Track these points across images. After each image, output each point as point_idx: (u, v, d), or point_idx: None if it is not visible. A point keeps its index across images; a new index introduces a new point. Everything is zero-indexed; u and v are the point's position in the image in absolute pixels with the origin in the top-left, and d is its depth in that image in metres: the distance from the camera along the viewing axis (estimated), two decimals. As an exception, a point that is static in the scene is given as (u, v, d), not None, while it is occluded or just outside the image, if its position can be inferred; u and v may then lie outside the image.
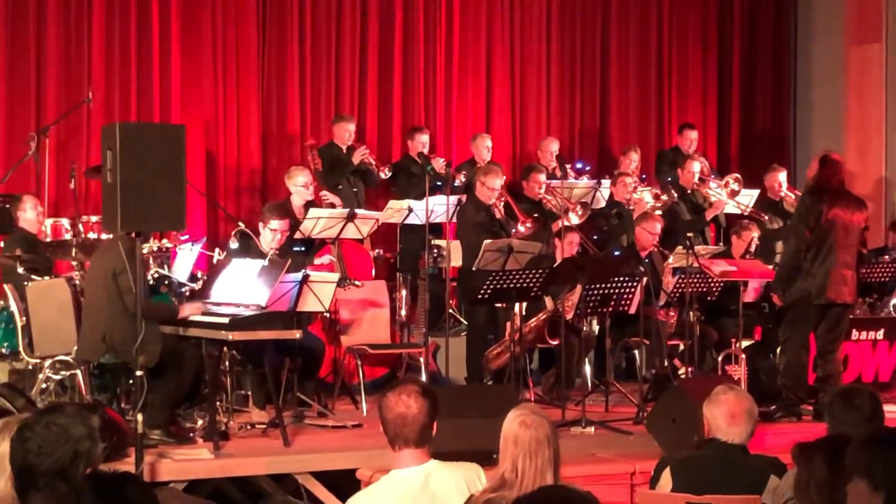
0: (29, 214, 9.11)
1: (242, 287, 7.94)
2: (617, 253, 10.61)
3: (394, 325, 10.21)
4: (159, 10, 11.47)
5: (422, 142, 11.79)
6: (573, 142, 13.56)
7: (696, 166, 12.05)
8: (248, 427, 8.27)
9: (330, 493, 7.53)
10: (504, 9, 13.21)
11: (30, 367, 8.37)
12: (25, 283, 8.35)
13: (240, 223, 9.36)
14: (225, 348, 8.16)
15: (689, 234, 10.15)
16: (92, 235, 9.19)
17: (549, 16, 13.47)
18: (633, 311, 9.20)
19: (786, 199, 11.86)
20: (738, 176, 12.00)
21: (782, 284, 8.91)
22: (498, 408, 5.36)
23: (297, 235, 9.44)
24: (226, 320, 7.58)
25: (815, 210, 8.73)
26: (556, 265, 9.40)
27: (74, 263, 8.68)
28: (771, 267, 10.01)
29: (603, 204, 11.52)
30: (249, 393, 8.79)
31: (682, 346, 9.94)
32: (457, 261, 10.39)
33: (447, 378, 9.91)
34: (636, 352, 9.98)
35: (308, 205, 9.81)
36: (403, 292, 10.46)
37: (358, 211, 9.89)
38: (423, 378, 9.26)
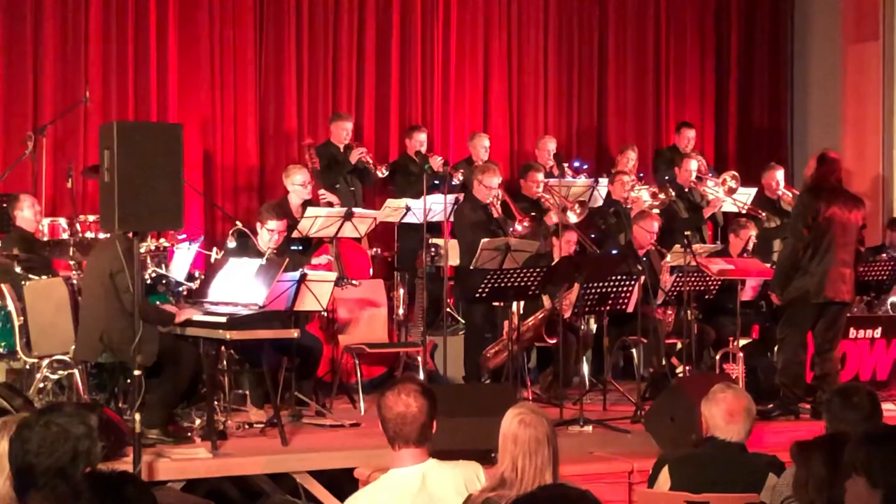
0: (26, 214, 9.09)
1: (240, 286, 7.93)
2: (615, 251, 10.62)
3: (391, 324, 10.21)
4: (156, 9, 11.46)
5: (419, 140, 11.79)
6: (571, 140, 13.56)
7: (694, 165, 12.05)
8: (246, 426, 8.26)
9: (328, 493, 7.53)
10: (501, 7, 13.21)
11: (27, 366, 8.37)
12: (23, 282, 8.35)
13: (237, 222, 9.36)
14: (223, 347, 8.16)
15: (686, 233, 10.15)
16: (89, 235, 9.18)
17: (547, 15, 13.47)
18: (630, 309, 9.21)
19: (783, 197, 11.86)
20: (736, 174, 12.01)
21: (780, 283, 8.91)
22: (496, 407, 5.35)
23: (295, 234, 9.44)
24: (223, 319, 7.57)
25: (813, 208, 8.73)
26: (553, 264, 9.40)
27: (72, 263, 8.67)
28: (769, 265, 10.02)
29: (601, 202, 11.52)
30: (247, 392, 8.79)
31: (679, 345, 9.95)
32: (454, 260, 10.40)
33: (445, 377, 9.90)
34: (634, 350, 9.98)
35: (306, 204, 9.81)
36: (401, 291, 10.46)
37: (355, 210, 9.89)
38: (421, 377, 9.25)
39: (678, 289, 9.65)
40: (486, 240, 9.82)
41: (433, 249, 10.72)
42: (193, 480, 7.44)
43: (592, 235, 11.10)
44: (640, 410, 8.67)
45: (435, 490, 4.35)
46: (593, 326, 10.24)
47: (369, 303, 9.87)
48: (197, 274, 9.20)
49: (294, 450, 7.75)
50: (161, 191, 6.81)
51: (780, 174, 12.01)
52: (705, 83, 14.34)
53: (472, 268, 9.76)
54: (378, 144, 12.34)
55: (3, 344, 8.43)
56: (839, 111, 13.99)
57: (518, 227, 10.33)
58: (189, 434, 7.82)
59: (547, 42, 13.48)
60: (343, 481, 7.41)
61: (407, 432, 4.35)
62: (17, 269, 8.50)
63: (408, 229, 10.78)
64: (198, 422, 8.02)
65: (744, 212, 11.66)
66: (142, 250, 8.17)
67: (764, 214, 11.64)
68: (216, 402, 8.08)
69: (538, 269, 8.90)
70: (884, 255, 11.61)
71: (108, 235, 7.95)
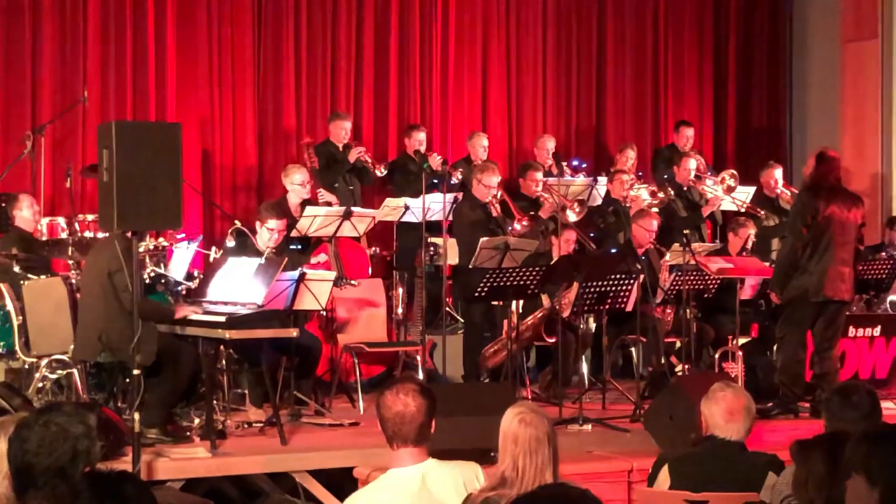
0: (25, 213, 9.09)
1: (239, 286, 7.93)
2: (614, 250, 10.62)
3: (390, 324, 10.21)
4: (155, 8, 11.45)
5: (418, 140, 11.78)
6: (569, 139, 13.55)
7: (692, 163, 12.04)
8: (245, 426, 8.26)
9: (327, 492, 7.53)
10: (500, 6, 13.21)
11: (26, 366, 8.36)
12: (22, 282, 8.34)
13: (236, 221, 9.36)
14: (222, 347, 8.16)
15: (685, 232, 10.15)
16: (88, 234, 9.18)
17: (545, 13, 13.46)
18: (629, 308, 9.21)
19: (781, 195, 11.85)
20: (734, 172, 12.00)
21: (780, 282, 8.91)
22: (495, 406, 5.35)
23: (294, 234, 9.43)
24: (222, 319, 7.57)
25: (813, 207, 8.73)
26: (552, 263, 9.40)
27: (71, 262, 8.66)
28: (768, 264, 10.02)
29: (600, 201, 11.52)
30: (246, 391, 8.79)
31: (678, 344, 9.95)
32: (453, 258, 10.39)
33: (444, 376, 9.90)
34: (633, 349, 9.98)
35: (304, 203, 9.80)
36: (400, 290, 10.46)
37: (354, 209, 9.88)
38: (420, 376, 9.26)
39: (677, 287, 9.65)
40: (484, 239, 9.82)
41: (432, 248, 10.72)
42: (192, 480, 7.44)
43: (591, 234, 11.10)
44: (640, 409, 8.67)
45: (434, 490, 4.35)
46: (592, 325, 10.24)
47: (368, 302, 9.87)
48: (196, 273, 9.19)
49: (293, 449, 7.75)
50: (160, 190, 6.81)
51: (778, 173, 12.01)
52: (704, 82, 14.34)
53: (471, 267, 9.76)
54: (377, 143, 12.33)
55: (1, 343, 8.42)
56: (838, 110, 13.99)
57: (517, 227, 10.32)
58: (188, 433, 7.82)
59: (545, 41, 13.48)
60: (342, 480, 7.41)
61: (406, 432, 4.35)
62: (16, 269, 8.49)
63: (407, 228, 10.79)
64: (197, 421, 8.02)
65: (743, 210, 11.65)
66: (140, 250, 8.17)
67: (763, 213, 11.64)
68: (215, 402, 8.08)
69: (537, 268, 8.90)
70: (883, 253, 11.61)
71: (107, 235, 7.94)
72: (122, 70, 11.34)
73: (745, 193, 11.89)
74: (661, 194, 11.52)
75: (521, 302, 9.35)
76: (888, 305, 11.00)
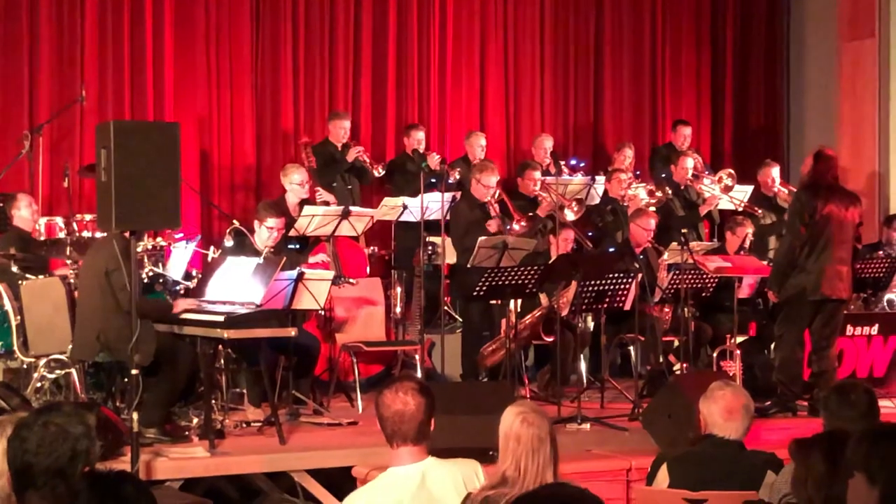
0: (23, 213, 9.08)
1: (237, 285, 7.93)
2: (612, 249, 10.62)
3: (389, 323, 10.21)
4: (152, 7, 11.45)
5: (417, 139, 11.79)
6: (567, 138, 13.56)
7: (690, 162, 12.04)
8: (244, 425, 8.27)
9: (326, 491, 7.53)
10: (497, 6, 13.21)
11: (24, 366, 8.36)
12: (20, 281, 8.34)
13: (234, 221, 9.36)
14: (220, 346, 8.16)
15: (683, 231, 10.16)
16: (86, 234, 9.18)
17: (543, 13, 13.47)
18: (628, 307, 9.22)
19: (779, 194, 11.85)
20: (732, 171, 12.00)
21: (778, 280, 8.92)
22: (493, 405, 5.36)
23: (292, 233, 9.43)
24: (221, 318, 7.57)
25: (810, 206, 8.73)
26: (551, 262, 9.40)
27: (69, 262, 8.66)
28: (765, 263, 10.02)
29: (598, 200, 11.52)
30: (245, 391, 8.79)
31: (676, 343, 9.95)
32: (451, 258, 10.39)
33: (442, 375, 9.90)
34: (631, 348, 9.98)
35: (303, 203, 9.80)
36: (398, 289, 10.46)
37: (352, 208, 9.88)
38: (419, 375, 9.26)
39: (675, 286, 9.65)
40: (483, 238, 9.82)
41: (430, 248, 10.72)
42: (191, 479, 7.44)
43: (589, 233, 11.11)
44: (638, 408, 8.68)
45: (434, 488, 4.35)
46: (591, 324, 10.25)
47: (367, 301, 9.87)
48: (194, 273, 9.19)
49: (292, 448, 7.75)
50: (158, 190, 6.80)
51: (775, 171, 12.01)
52: (701, 81, 14.35)
53: (469, 266, 9.76)
54: (374, 143, 12.33)
55: (0, 343, 8.43)
56: (835, 109, 13.98)
57: (515, 227, 10.31)
58: (187, 433, 7.82)
59: (543, 40, 13.48)
60: (341, 480, 7.42)
61: (405, 430, 4.35)
62: (14, 269, 8.49)
63: (406, 228, 10.79)
64: (195, 421, 8.02)
65: (740, 209, 11.66)
66: (139, 249, 8.17)
67: (760, 211, 11.65)
68: (214, 401, 8.07)
69: (535, 267, 8.90)
70: (880, 252, 11.61)
71: (105, 234, 7.94)
72: (119, 70, 11.34)
73: (743, 192, 11.90)
74: (658, 193, 11.52)
75: (519, 301, 9.35)
76: (885, 304, 11.00)
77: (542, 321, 9.52)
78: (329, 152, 11.30)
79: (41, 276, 8.58)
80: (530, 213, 10.61)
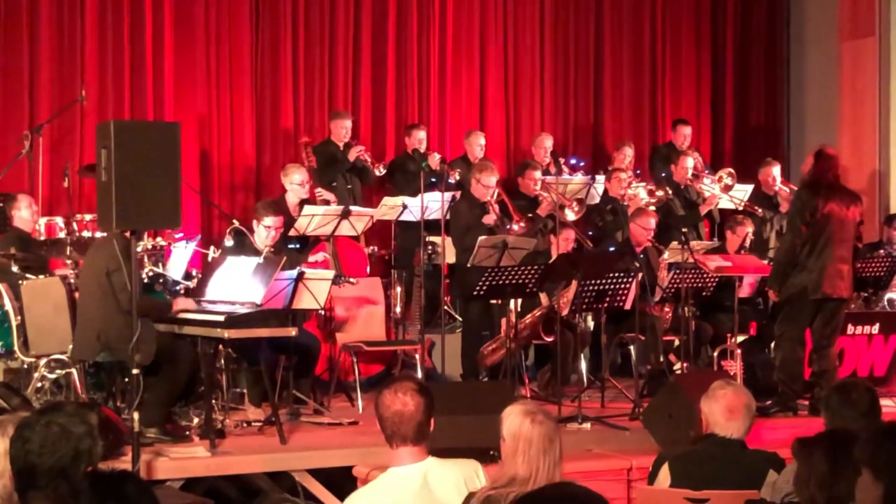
0: (24, 213, 9.08)
1: (237, 285, 7.93)
2: (612, 249, 10.62)
3: (389, 322, 10.21)
4: (152, 7, 11.45)
5: (418, 138, 11.79)
6: (567, 138, 13.55)
7: (690, 162, 12.04)
8: (244, 425, 8.27)
9: (326, 491, 7.53)
10: (497, 5, 13.21)
11: (25, 366, 8.35)
12: (20, 281, 8.34)
13: (234, 221, 9.35)
14: (220, 346, 8.15)
15: (684, 230, 10.15)
16: (86, 234, 9.17)
17: (543, 12, 13.46)
18: (628, 306, 9.22)
19: (780, 193, 11.85)
20: (732, 170, 11.99)
21: (778, 280, 8.92)
22: (494, 404, 5.34)
23: (292, 233, 9.43)
24: (221, 318, 7.57)
25: (811, 205, 8.73)
26: (551, 261, 9.39)
27: (69, 262, 8.66)
28: (766, 262, 10.02)
29: (598, 200, 11.52)
30: (245, 391, 8.79)
31: (677, 342, 9.95)
32: (451, 257, 10.39)
33: (443, 375, 9.89)
34: (632, 347, 9.98)
35: (303, 202, 9.80)
36: (398, 289, 10.46)
37: (352, 208, 9.88)
38: (419, 375, 9.26)
39: (675, 286, 9.65)
40: (483, 237, 9.81)
41: (430, 247, 10.72)
42: (192, 479, 7.44)
43: (590, 233, 11.10)
44: (639, 407, 8.68)
45: (436, 488, 4.35)
46: (591, 324, 10.24)
47: (367, 301, 9.87)
48: (194, 272, 9.19)
49: (292, 448, 7.75)
50: (158, 190, 6.80)
51: (776, 170, 12.00)
52: (701, 80, 14.35)
53: (469, 265, 9.75)
54: (374, 143, 12.33)
55: (0, 343, 8.43)
56: (835, 108, 13.98)
57: (515, 228, 10.30)
58: (187, 433, 7.82)
59: (543, 39, 13.47)
60: (341, 479, 7.42)
61: (404, 430, 4.34)
62: (15, 269, 8.49)
63: (407, 227, 10.78)
64: (196, 420, 8.02)
65: (741, 209, 11.66)
66: (139, 249, 8.16)
67: (760, 211, 11.64)
68: (214, 401, 8.07)
69: (536, 267, 8.90)
70: (881, 251, 11.61)
71: (105, 234, 7.94)
72: (119, 69, 11.34)
73: (743, 191, 11.89)
74: (659, 193, 11.52)
75: (519, 300, 9.35)
76: (886, 303, 11.00)
77: (543, 321, 9.52)
78: (330, 152, 11.30)
79: (41, 276, 8.58)
80: (530, 215, 10.60)
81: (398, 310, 10.38)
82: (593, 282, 8.93)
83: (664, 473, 5.29)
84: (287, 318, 8.29)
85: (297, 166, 10.23)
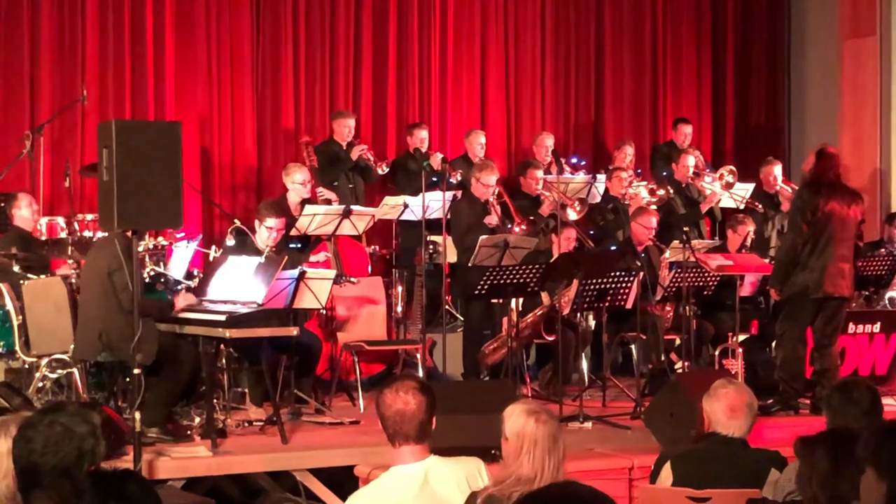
0: (24, 213, 9.08)
1: (239, 284, 7.93)
2: (613, 248, 10.61)
3: (390, 322, 10.20)
4: (153, 6, 11.45)
5: (420, 138, 11.79)
6: (568, 137, 13.55)
7: (691, 160, 12.04)
8: (246, 424, 8.26)
9: (328, 490, 7.53)
10: (498, 4, 13.21)
11: (26, 365, 8.35)
12: (21, 281, 8.34)
13: (235, 220, 9.35)
14: (222, 346, 8.15)
15: (685, 229, 10.15)
16: (87, 234, 9.18)
17: (544, 11, 13.47)
18: (629, 305, 9.21)
19: (781, 192, 11.85)
20: (733, 168, 12.00)
21: (780, 279, 8.92)
22: (495, 404, 5.33)
23: (293, 232, 9.43)
24: (222, 318, 7.57)
25: (812, 204, 8.73)
26: (552, 260, 9.39)
27: (70, 262, 8.66)
28: (767, 261, 10.02)
29: (599, 199, 11.51)
30: (246, 390, 8.80)
31: (678, 341, 9.94)
32: (452, 257, 10.39)
33: (444, 374, 9.90)
34: (633, 347, 9.98)
35: (304, 202, 9.80)
36: (399, 288, 10.46)
37: (353, 207, 9.88)
38: (420, 374, 9.25)
39: (677, 285, 9.65)
40: (484, 237, 9.81)
41: (431, 247, 10.72)
42: (193, 479, 7.45)
43: (591, 232, 11.10)
44: (640, 406, 8.68)
45: (438, 487, 4.35)
46: (592, 323, 10.24)
47: (368, 300, 9.87)
48: (195, 272, 9.19)
49: (294, 448, 7.75)
50: (160, 189, 6.80)
51: (777, 169, 12.01)
52: (702, 79, 14.35)
53: (470, 265, 9.75)
54: (375, 142, 12.32)
55: (1, 343, 8.42)
56: (836, 107, 13.98)
57: (516, 230, 10.30)
58: (189, 432, 7.81)
59: (544, 38, 13.48)
60: (343, 479, 7.41)
61: (406, 430, 4.35)
62: (16, 269, 8.49)
63: (408, 227, 10.78)
64: (197, 420, 8.02)
65: (742, 206, 11.66)
66: (140, 249, 8.16)
67: (761, 206, 11.65)
68: (215, 401, 8.07)
69: (537, 266, 8.89)
70: (882, 250, 11.61)
71: (107, 234, 7.94)
72: (120, 69, 11.34)
73: (745, 190, 11.89)
74: (660, 192, 11.52)
75: (520, 300, 9.34)
76: (887, 302, 11.00)
77: (544, 320, 9.52)
78: (333, 151, 11.30)
79: (43, 276, 8.58)
80: (531, 217, 10.60)
81: (399, 309, 10.38)
82: (594, 281, 8.92)
83: (666, 472, 5.29)
84: (288, 318, 8.30)
85: (299, 166, 10.23)
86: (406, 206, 10.41)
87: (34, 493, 3.52)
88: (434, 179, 10.46)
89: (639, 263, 9.64)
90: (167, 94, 11.51)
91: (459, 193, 10.50)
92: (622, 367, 10.62)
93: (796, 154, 14.11)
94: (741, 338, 9.77)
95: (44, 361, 8.13)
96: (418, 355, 9.64)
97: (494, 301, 9.64)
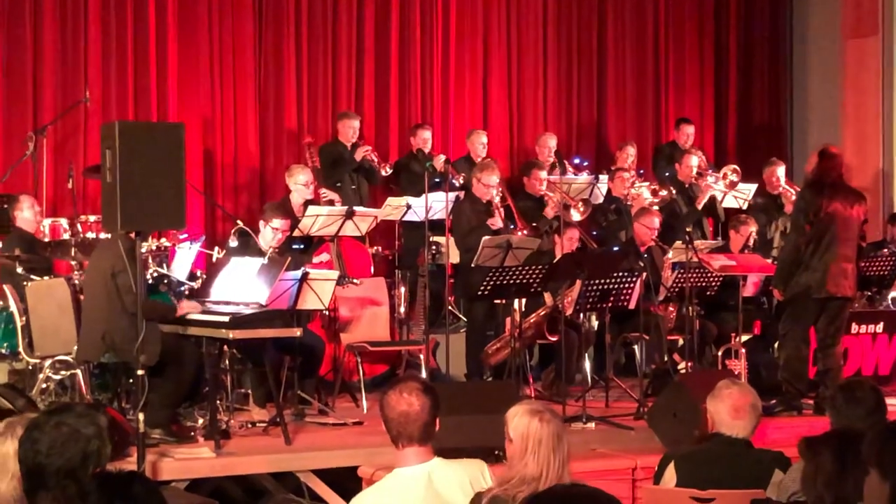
0: (26, 214, 9.09)
1: (242, 285, 7.94)
2: (616, 248, 10.61)
3: (393, 323, 10.20)
4: (156, 8, 11.46)
5: (423, 138, 11.79)
6: (570, 137, 13.56)
7: (694, 161, 12.03)
8: (249, 425, 8.27)
9: (332, 491, 7.53)
10: (501, 4, 13.21)
11: (30, 367, 8.36)
12: (25, 283, 8.34)
13: (238, 221, 9.35)
14: (225, 347, 8.15)
15: (688, 229, 10.15)
16: (91, 235, 9.18)
17: (546, 11, 13.47)
18: (632, 306, 9.20)
19: (784, 193, 11.84)
20: (736, 167, 11.98)
21: (783, 279, 8.92)
22: (498, 404, 5.34)
23: (296, 233, 9.43)
24: (226, 319, 7.58)
25: (815, 204, 8.73)
26: (555, 261, 9.39)
27: (73, 263, 8.66)
28: (770, 261, 10.02)
29: (601, 199, 11.52)
30: (250, 391, 8.80)
31: (681, 341, 9.94)
32: (455, 257, 10.39)
33: (447, 375, 9.90)
34: (636, 347, 9.98)
35: (307, 203, 9.80)
36: (402, 289, 10.46)
37: (356, 208, 9.88)
38: (423, 375, 9.25)
39: (680, 285, 9.65)
40: (487, 237, 9.82)
41: (434, 247, 10.71)
42: (197, 480, 7.44)
43: (594, 232, 11.10)
44: (643, 407, 8.67)
45: (441, 489, 4.35)
46: (595, 323, 10.23)
47: (371, 301, 9.87)
48: (199, 273, 9.19)
49: (297, 449, 7.76)
50: (163, 190, 6.79)
51: (781, 170, 11.98)
52: (705, 79, 14.35)
53: (473, 265, 9.75)
54: (378, 143, 12.32)
55: (5, 345, 8.44)
56: (839, 107, 13.99)
57: (518, 234, 10.29)
58: (192, 433, 7.82)
59: (546, 38, 13.48)
60: (346, 480, 7.42)
61: (410, 431, 4.35)
62: (19, 270, 8.49)
63: (411, 227, 10.78)
64: (201, 421, 8.02)
65: (745, 207, 11.65)
66: (143, 250, 8.16)
67: (762, 201, 11.65)
68: (219, 402, 8.07)
69: (540, 267, 8.89)
70: (885, 250, 11.60)
71: (110, 235, 7.94)
72: (123, 70, 11.35)
73: (747, 190, 11.89)
74: (662, 192, 11.51)
75: (523, 300, 9.34)
76: (890, 302, 10.99)
77: (547, 320, 9.52)
78: (338, 151, 11.31)
79: (46, 278, 8.58)
80: (534, 224, 10.61)
81: (402, 310, 10.37)
82: (597, 281, 8.92)
83: (670, 473, 5.29)
84: (291, 319, 8.30)
85: (302, 167, 10.23)
86: (409, 206, 10.41)
87: (39, 494, 3.53)
88: (437, 181, 10.46)
89: (642, 264, 9.64)
90: (170, 96, 11.52)
91: (462, 194, 10.50)
92: (625, 368, 10.62)
93: (798, 154, 14.11)
94: (744, 338, 9.76)
95: (47, 363, 8.14)
96: (421, 356, 9.64)
97: (497, 302, 9.64)
